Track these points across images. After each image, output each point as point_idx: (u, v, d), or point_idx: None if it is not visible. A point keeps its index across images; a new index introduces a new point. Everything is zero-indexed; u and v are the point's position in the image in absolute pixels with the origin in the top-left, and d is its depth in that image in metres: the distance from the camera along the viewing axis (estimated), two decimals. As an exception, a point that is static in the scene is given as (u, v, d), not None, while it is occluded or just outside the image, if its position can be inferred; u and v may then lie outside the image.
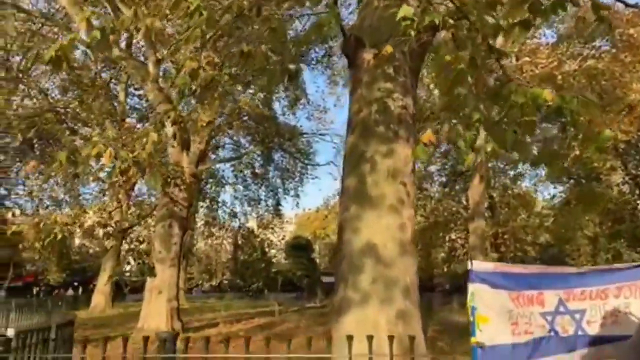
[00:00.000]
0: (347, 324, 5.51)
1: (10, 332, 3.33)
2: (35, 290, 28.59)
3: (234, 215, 26.05)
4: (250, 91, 19.45)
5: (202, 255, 44.18)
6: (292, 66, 5.59)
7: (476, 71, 3.99)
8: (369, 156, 6.16)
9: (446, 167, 32.54)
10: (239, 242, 33.00)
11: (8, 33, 18.87)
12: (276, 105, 22.70)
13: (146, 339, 3.77)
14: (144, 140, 4.83)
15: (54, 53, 4.16)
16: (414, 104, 6.91)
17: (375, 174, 6.07)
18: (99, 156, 4.33)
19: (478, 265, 3.40)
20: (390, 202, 5.90)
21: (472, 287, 3.29)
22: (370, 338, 3.76)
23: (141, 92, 23.08)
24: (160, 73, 15.23)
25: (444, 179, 32.73)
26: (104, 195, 19.41)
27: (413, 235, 6.00)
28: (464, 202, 33.62)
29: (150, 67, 14.45)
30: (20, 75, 18.96)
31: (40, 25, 19.09)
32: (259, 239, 29.60)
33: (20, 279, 31.34)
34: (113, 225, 13.00)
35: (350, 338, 3.76)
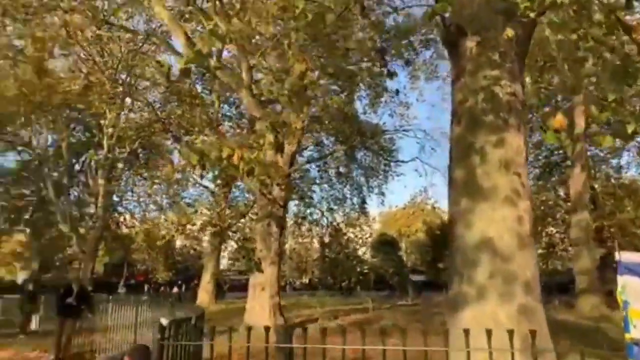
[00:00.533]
0: (464, 318, 5.39)
1: (164, 321, 3.64)
2: (146, 287, 31.10)
3: (321, 214, 26.49)
4: (334, 87, 19.69)
5: (293, 254, 45.42)
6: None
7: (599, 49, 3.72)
8: (479, 147, 5.97)
9: (539, 157, 30.63)
10: (327, 240, 33.49)
11: (114, 53, 20.73)
12: (357, 104, 22.72)
13: (267, 329, 3.96)
14: (261, 142, 5.08)
15: (184, 64, 4.52)
16: (523, 91, 6.58)
17: (486, 165, 5.86)
18: (229, 158, 4.60)
19: (626, 256, 3.17)
20: (504, 193, 5.67)
21: (621, 280, 3.07)
22: (489, 332, 3.68)
23: (231, 99, 24.32)
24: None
25: (537, 170, 30.83)
26: (211, 196, 20.58)
27: (532, 227, 5.72)
28: (562, 194, 31.44)
29: (243, 74, 15.12)
30: (127, 90, 20.74)
31: (140, 44, 20.74)
32: (346, 237, 29.81)
33: (133, 278, 34.41)
34: (220, 224, 13.79)
35: (467, 332, 3.71)
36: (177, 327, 3.89)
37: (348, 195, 25.68)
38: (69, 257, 24.31)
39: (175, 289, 30.16)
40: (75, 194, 26.21)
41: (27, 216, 27.04)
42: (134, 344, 8.47)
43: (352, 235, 30.17)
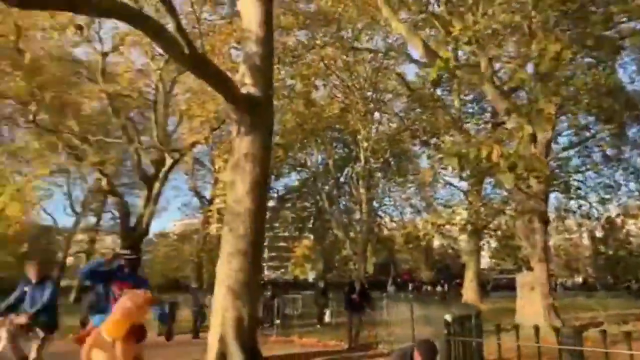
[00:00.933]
0: None
1: (448, 318, 4.01)
2: (410, 286, 32.91)
3: (589, 205, 23.33)
4: (587, 60, 17.35)
5: (559, 251, 41.18)
6: None
7: None
8: None
9: None
10: (599, 234, 29.28)
11: (360, 74, 22.95)
12: (621, 74, 19.34)
13: (537, 328, 3.92)
14: (520, 134, 5.06)
15: (435, 74, 4.94)
16: None
17: None
18: (488, 156, 4.76)
19: None
20: None
21: None
22: None
23: (470, 96, 23.89)
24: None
25: None
26: (463, 194, 20.70)
27: None
28: None
29: (483, 68, 14.79)
30: (376, 105, 22.71)
31: (381, 61, 22.40)
32: (624, 230, 25.50)
33: (399, 277, 36.99)
34: (477, 223, 13.80)
35: None
36: (459, 324, 4.18)
37: (622, 182, 22.09)
38: (344, 258, 27.73)
39: (438, 288, 30.96)
40: (344, 203, 29.83)
41: (309, 225, 32.23)
42: (418, 339, 9.25)
43: (633, 228, 25.69)
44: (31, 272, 6.30)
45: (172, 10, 7.54)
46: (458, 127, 19.75)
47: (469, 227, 14.89)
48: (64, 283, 34.18)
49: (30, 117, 13.56)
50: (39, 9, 10.25)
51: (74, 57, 18.55)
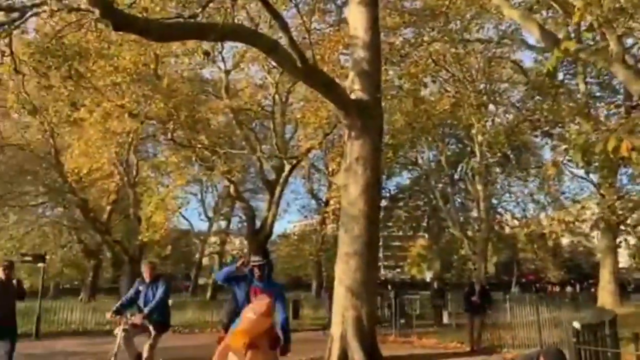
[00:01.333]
0: None
1: (577, 325, 3.82)
2: (534, 287, 30.79)
3: None
4: None
5: None
6: None
7: None
8: None
9: None
10: None
11: (472, 65, 22.04)
12: None
13: None
14: None
15: (552, 65, 4.73)
16: None
17: None
18: (616, 150, 4.43)
19: None
20: None
21: None
22: None
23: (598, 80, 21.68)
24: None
25: None
26: (594, 187, 18.95)
27: None
28: None
29: (612, 46, 13.43)
30: (490, 97, 21.65)
31: (494, 50, 21.31)
32: None
33: (523, 277, 34.77)
34: (611, 218, 12.57)
35: None
36: (591, 332, 3.97)
37: None
38: (462, 258, 26.89)
39: (568, 288, 28.54)
40: (459, 200, 28.92)
41: (424, 224, 31.81)
42: (545, 344, 8.77)
43: None
44: (145, 272, 6.45)
45: (284, 26, 8.08)
46: (584, 114, 18.08)
47: (602, 223, 13.50)
48: (201, 281, 37.92)
49: (169, 135, 15.38)
50: (175, 40, 11.65)
51: (202, 77, 20.68)
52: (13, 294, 6.61)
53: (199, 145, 15.55)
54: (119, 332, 5.92)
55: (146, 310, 6.16)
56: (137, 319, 6.09)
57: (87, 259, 26.60)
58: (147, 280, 6.43)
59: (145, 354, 6.11)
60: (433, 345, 11.53)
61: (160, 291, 6.32)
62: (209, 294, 30.13)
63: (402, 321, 13.76)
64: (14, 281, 6.70)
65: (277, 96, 19.06)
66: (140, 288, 6.44)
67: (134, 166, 22.34)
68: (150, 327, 6.18)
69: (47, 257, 14.59)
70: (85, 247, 26.46)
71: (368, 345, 8.51)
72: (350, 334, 8.50)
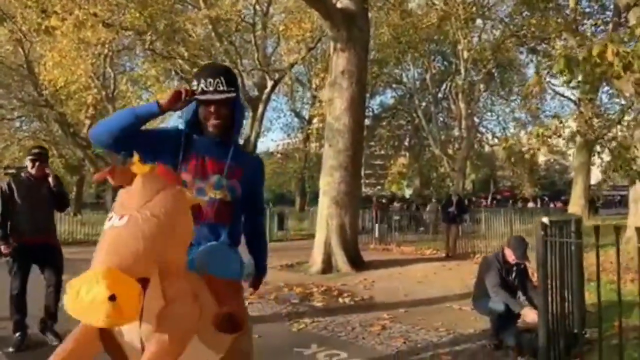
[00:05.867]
0: None
1: (545, 220, 4.08)
2: (510, 202, 32.04)
3: None
4: None
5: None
6: None
7: None
8: None
9: None
10: None
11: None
12: None
13: None
14: (637, 32, 4.64)
15: None
16: None
17: None
18: (601, 55, 4.50)
19: None
20: None
21: None
22: None
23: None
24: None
25: None
26: (574, 105, 19.22)
27: None
28: None
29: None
30: (478, 10, 20.99)
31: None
32: None
33: (499, 194, 36.17)
34: (589, 134, 12.92)
35: None
36: (558, 227, 4.24)
37: None
38: (442, 175, 27.61)
39: (552, 205, 29.68)
40: (441, 119, 29.09)
41: (405, 143, 32.20)
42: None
43: None
44: None
45: None
46: (572, 29, 17.80)
47: (578, 138, 13.86)
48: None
49: (147, 45, 14.79)
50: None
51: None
52: (49, 198, 4.41)
53: (178, 57, 15.05)
54: None
55: None
56: None
57: (70, 174, 26.54)
58: None
59: None
60: (411, 252, 12.26)
61: None
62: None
63: (384, 227, 14.47)
64: (50, 179, 4.36)
65: (257, 6, 18.23)
66: None
67: (111, 79, 21.69)
68: None
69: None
70: (67, 162, 26.29)
71: (351, 251, 9.01)
72: (334, 240, 8.95)
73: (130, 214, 1.37)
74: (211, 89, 1.95)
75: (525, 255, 4.45)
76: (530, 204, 28.73)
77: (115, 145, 1.91)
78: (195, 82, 1.98)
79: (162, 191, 1.45)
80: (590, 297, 4.57)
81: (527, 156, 13.07)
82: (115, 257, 1.29)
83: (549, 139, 10.29)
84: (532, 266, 4.56)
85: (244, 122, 2.96)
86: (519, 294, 4.62)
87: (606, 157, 15.07)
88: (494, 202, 28.68)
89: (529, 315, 4.19)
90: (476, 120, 27.58)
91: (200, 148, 2.03)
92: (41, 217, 4.38)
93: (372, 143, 34.79)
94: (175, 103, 1.95)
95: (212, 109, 2.00)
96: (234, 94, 1.99)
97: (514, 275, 4.53)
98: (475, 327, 5.06)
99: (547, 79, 18.97)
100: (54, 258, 4.41)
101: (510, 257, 4.46)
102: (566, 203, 26.40)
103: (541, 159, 33.03)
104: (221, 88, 1.96)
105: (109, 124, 1.95)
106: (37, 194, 4.35)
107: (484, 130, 30.67)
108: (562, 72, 5.23)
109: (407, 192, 36.40)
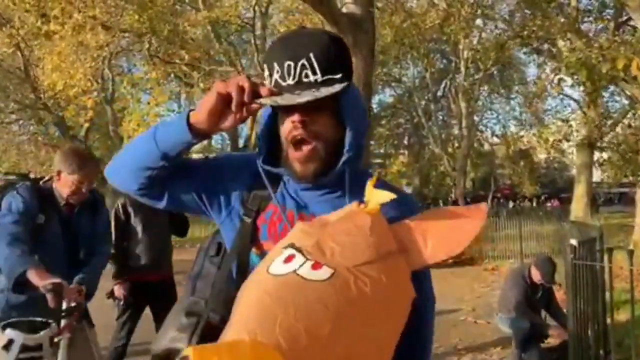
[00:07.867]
0: None
1: (574, 242, 3.97)
2: (511, 203, 32.03)
3: None
4: None
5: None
6: None
7: None
8: None
9: None
10: None
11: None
12: None
13: None
14: None
15: None
16: None
17: None
18: (626, 69, 4.42)
19: None
20: None
21: None
22: None
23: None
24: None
25: None
26: (576, 104, 19.14)
27: None
28: None
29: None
30: (476, 10, 20.87)
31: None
32: None
33: (499, 192, 36.17)
34: (592, 135, 12.89)
35: None
36: (585, 248, 4.16)
37: None
38: (441, 174, 27.56)
39: (549, 203, 29.67)
40: (441, 118, 29.01)
41: (405, 141, 32.10)
42: (527, 255, 9.27)
43: None
44: None
45: None
46: (575, 29, 17.71)
47: (580, 139, 13.81)
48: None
49: (146, 47, 14.62)
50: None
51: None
52: (168, 221, 3.60)
53: (178, 61, 14.89)
54: None
55: None
56: None
57: (69, 177, 26.22)
58: None
59: None
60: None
61: None
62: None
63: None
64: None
65: (257, 7, 18.03)
66: None
67: (110, 81, 21.50)
68: None
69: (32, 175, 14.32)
70: (65, 165, 25.94)
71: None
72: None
73: (337, 269, 0.82)
74: (291, 80, 1.00)
75: (553, 280, 4.40)
76: (527, 203, 28.81)
77: (141, 192, 1.15)
78: (266, 69, 1.05)
79: (392, 257, 0.88)
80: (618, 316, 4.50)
81: (533, 157, 12.93)
82: (293, 332, 0.73)
83: (559, 143, 10.21)
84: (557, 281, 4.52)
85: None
86: (543, 312, 4.59)
87: (614, 156, 15.00)
88: (494, 201, 28.63)
89: (558, 335, 4.16)
90: (476, 118, 27.53)
91: (286, 194, 1.13)
92: (160, 247, 3.57)
93: (372, 142, 34.61)
94: (221, 116, 1.03)
95: (295, 117, 1.02)
96: (338, 87, 0.98)
97: (539, 295, 4.47)
98: (496, 345, 4.99)
99: (554, 80, 18.86)
100: (173, 297, 3.33)
101: (537, 277, 4.40)
102: (562, 201, 26.45)
103: (541, 157, 33.04)
104: (311, 78, 0.99)
105: (125, 158, 1.19)
106: (156, 218, 3.45)
107: (483, 128, 30.64)
108: (573, 74, 5.14)
109: (407, 191, 36.28)
